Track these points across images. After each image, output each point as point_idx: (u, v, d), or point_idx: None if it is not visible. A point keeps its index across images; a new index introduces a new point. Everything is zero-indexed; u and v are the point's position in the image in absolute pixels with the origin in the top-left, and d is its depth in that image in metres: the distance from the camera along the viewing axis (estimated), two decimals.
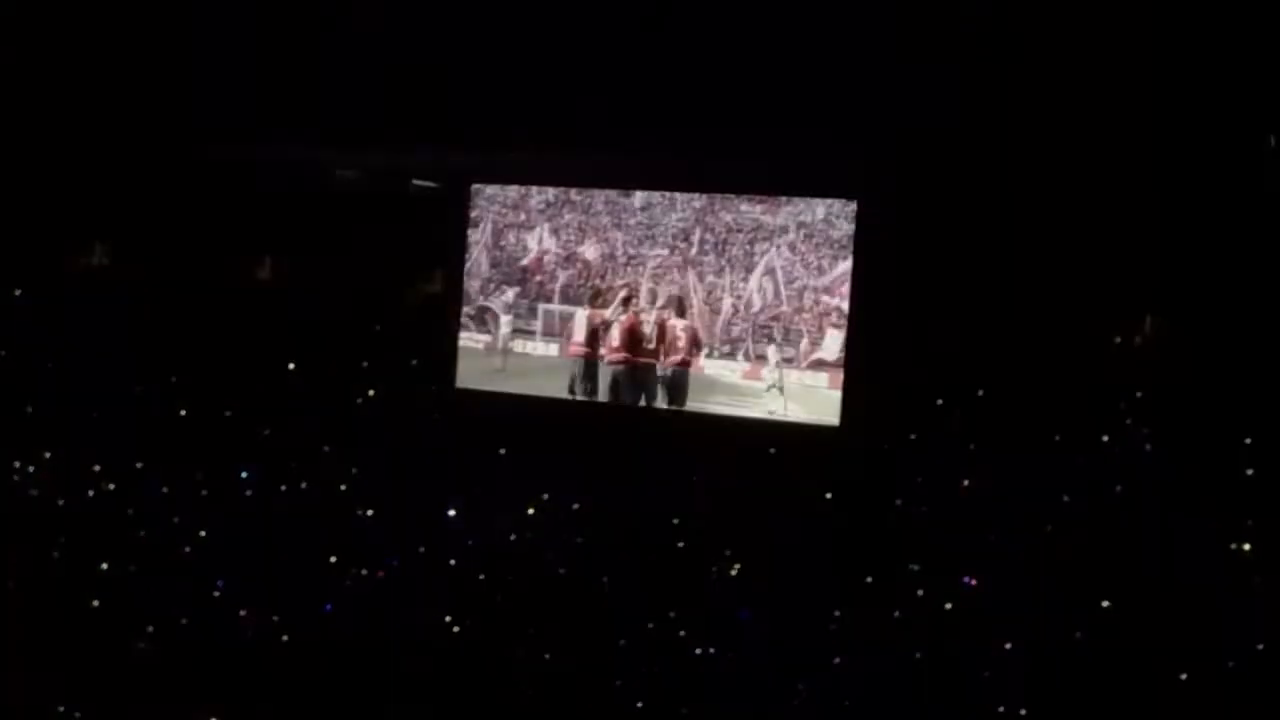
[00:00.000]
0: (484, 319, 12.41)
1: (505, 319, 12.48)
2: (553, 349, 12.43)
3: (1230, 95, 10.15)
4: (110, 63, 12.12)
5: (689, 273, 11.98)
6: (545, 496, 11.76)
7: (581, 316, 12.34)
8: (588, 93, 11.56)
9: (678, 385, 12.07)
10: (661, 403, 12.09)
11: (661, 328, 12.11)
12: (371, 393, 12.29)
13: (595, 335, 12.26)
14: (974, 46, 10.60)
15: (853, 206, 11.44)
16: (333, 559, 12.09)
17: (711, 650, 11.22)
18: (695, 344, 12.08)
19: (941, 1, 10.58)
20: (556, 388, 12.40)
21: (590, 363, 12.31)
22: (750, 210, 11.77)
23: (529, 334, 12.52)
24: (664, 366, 12.11)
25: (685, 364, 12.08)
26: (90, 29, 12.18)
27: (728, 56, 11.26)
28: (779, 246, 11.70)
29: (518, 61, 11.68)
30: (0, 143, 12.59)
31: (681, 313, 12.09)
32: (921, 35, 10.76)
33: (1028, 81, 10.53)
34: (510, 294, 12.44)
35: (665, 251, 12.02)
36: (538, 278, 12.36)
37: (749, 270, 11.82)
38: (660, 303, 12.12)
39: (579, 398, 12.29)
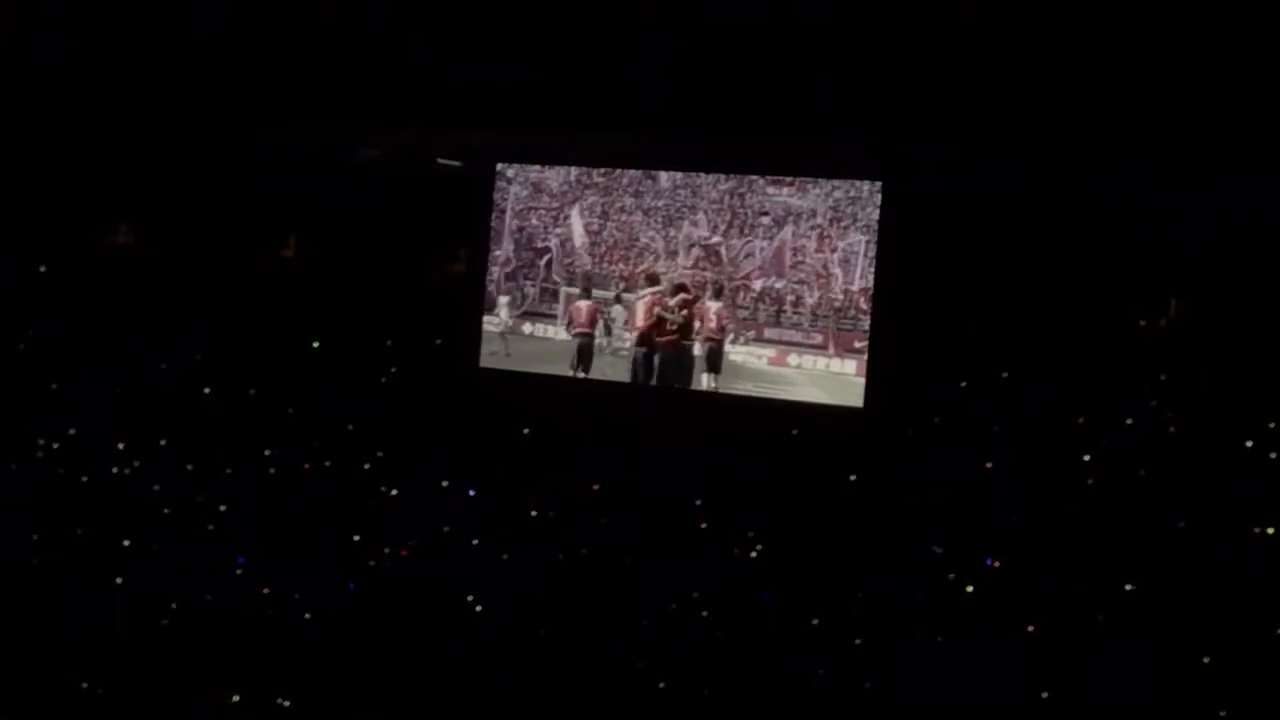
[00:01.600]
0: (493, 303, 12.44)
1: (504, 300, 12.49)
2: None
3: (1256, 75, 10.12)
4: (136, 40, 12.13)
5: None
6: (567, 476, 11.76)
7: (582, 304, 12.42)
8: (614, 73, 11.54)
9: (715, 355, 12.11)
10: (701, 380, 12.10)
11: (693, 309, 12.13)
12: (395, 372, 12.27)
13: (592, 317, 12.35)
14: (1004, 29, 10.56)
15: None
16: (356, 538, 12.11)
17: (734, 633, 11.22)
18: (723, 328, 12.12)
19: None
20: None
21: (586, 343, 12.37)
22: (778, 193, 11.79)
23: (548, 318, 12.55)
24: (701, 344, 12.15)
25: (718, 340, 12.13)
26: (116, 9, 12.19)
27: (755, 37, 11.24)
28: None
29: (543, 42, 11.67)
30: (27, 122, 12.59)
31: (718, 295, 12.12)
32: (949, 18, 10.73)
33: (1056, 63, 10.49)
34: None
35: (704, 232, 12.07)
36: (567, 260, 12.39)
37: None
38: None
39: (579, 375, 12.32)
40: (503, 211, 12.37)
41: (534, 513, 11.82)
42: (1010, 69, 10.62)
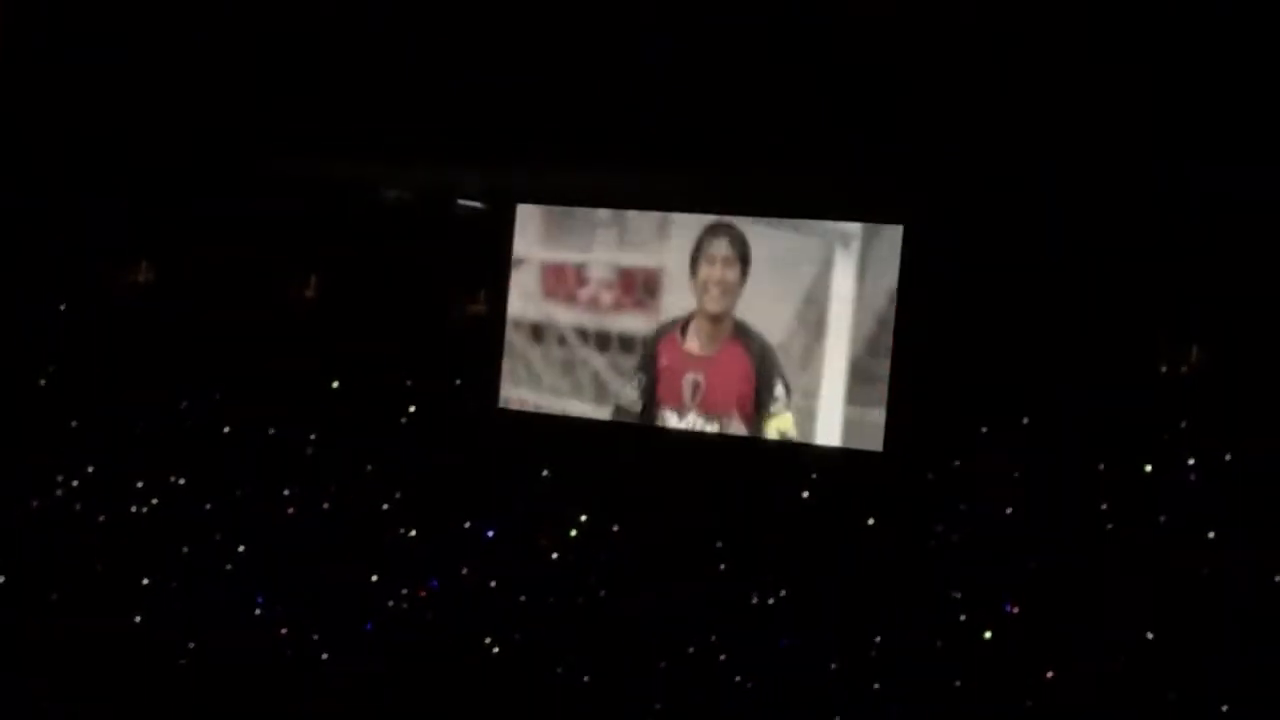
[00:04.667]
0: None
1: None
2: None
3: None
4: (158, 77, 12.14)
5: None
6: (586, 518, 11.76)
7: None
8: (636, 113, 11.54)
9: None
10: None
11: None
12: (414, 412, 12.29)
13: None
14: (1026, 71, 10.55)
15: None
16: (374, 578, 12.12)
17: (751, 677, 11.22)
18: None
19: (986, 28, 10.51)
20: None
21: None
22: None
23: None
24: None
25: None
26: (135, 45, 12.20)
27: (775, 78, 11.23)
28: None
29: (563, 81, 11.67)
30: (47, 158, 12.62)
31: None
32: (971, 60, 10.71)
33: (1079, 108, 10.47)
34: None
35: None
36: None
37: None
38: None
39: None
40: None
41: (554, 555, 11.82)
42: (1031, 110, 10.61)
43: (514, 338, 12.16)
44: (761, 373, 11.52)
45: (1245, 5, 9.86)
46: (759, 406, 11.45)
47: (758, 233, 11.66)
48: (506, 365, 12.16)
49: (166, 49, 12.24)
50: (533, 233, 12.22)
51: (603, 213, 12.08)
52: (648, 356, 11.82)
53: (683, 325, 11.75)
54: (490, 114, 11.71)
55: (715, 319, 11.68)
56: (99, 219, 12.77)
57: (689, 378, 11.76)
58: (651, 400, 11.74)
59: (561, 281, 12.16)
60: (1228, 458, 10.42)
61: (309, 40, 12.04)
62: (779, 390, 11.42)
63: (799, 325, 11.52)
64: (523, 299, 12.21)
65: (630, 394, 11.80)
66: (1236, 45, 9.94)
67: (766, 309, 11.61)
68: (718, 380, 11.60)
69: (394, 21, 11.78)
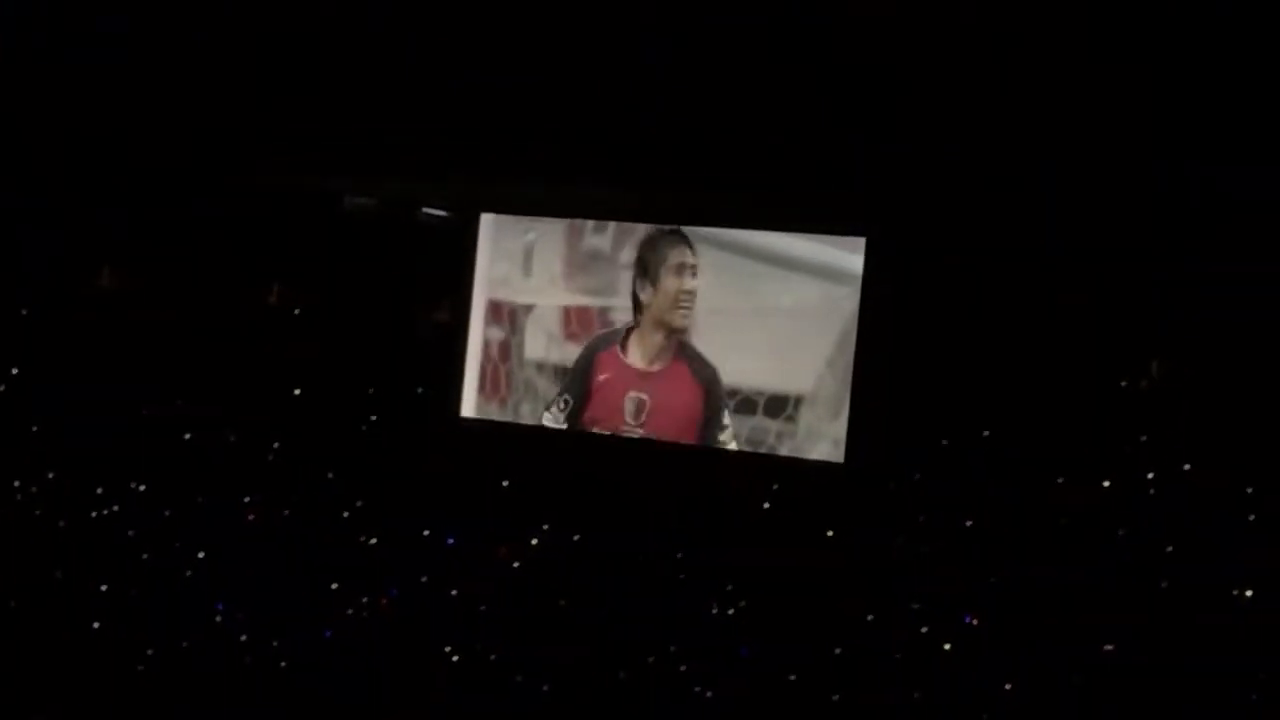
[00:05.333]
0: None
1: None
2: None
3: (1240, 135, 10.14)
4: (124, 86, 12.13)
5: None
6: (546, 527, 11.74)
7: None
8: (599, 124, 11.56)
9: None
10: None
11: None
12: (376, 420, 12.27)
13: None
14: (985, 83, 10.59)
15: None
16: (334, 586, 12.10)
17: (711, 686, 11.21)
18: None
19: (948, 38, 10.56)
20: None
21: None
22: None
23: None
24: None
25: None
26: (106, 54, 12.20)
27: (739, 91, 11.26)
28: None
29: (531, 91, 11.69)
30: (10, 163, 12.59)
31: None
32: (932, 72, 10.75)
33: (1039, 119, 10.51)
34: None
35: None
36: None
37: None
38: None
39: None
40: None
41: (515, 564, 11.81)
42: (989, 126, 10.65)
43: (535, 377, 12.07)
44: (710, 399, 11.50)
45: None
46: (706, 433, 11.43)
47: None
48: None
49: (136, 58, 12.24)
50: (550, 272, 12.13)
51: (626, 252, 11.97)
52: (580, 372, 11.76)
53: (623, 338, 11.71)
54: (455, 123, 11.72)
55: (671, 332, 11.67)
56: (62, 224, 12.74)
57: (633, 395, 11.74)
58: (577, 421, 11.68)
59: (584, 323, 12.10)
60: (1186, 468, 10.45)
61: (276, 51, 12.05)
62: (726, 419, 11.41)
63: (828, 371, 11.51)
64: (545, 340, 12.11)
65: (554, 416, 11.76)
66: (1211, 53, 10.01)
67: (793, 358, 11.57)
68: (665, 400, 11.57)
69: (362, 33, 11.80)
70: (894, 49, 10.66)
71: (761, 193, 11.40)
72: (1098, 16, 10.12)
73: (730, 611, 11.31)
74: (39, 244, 12.82)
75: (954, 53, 10.51)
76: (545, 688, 11.52)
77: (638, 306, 11.85)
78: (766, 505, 11.30)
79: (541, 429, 11.85)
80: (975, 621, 10.76)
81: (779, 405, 11.64)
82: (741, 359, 11.70)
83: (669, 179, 11.49)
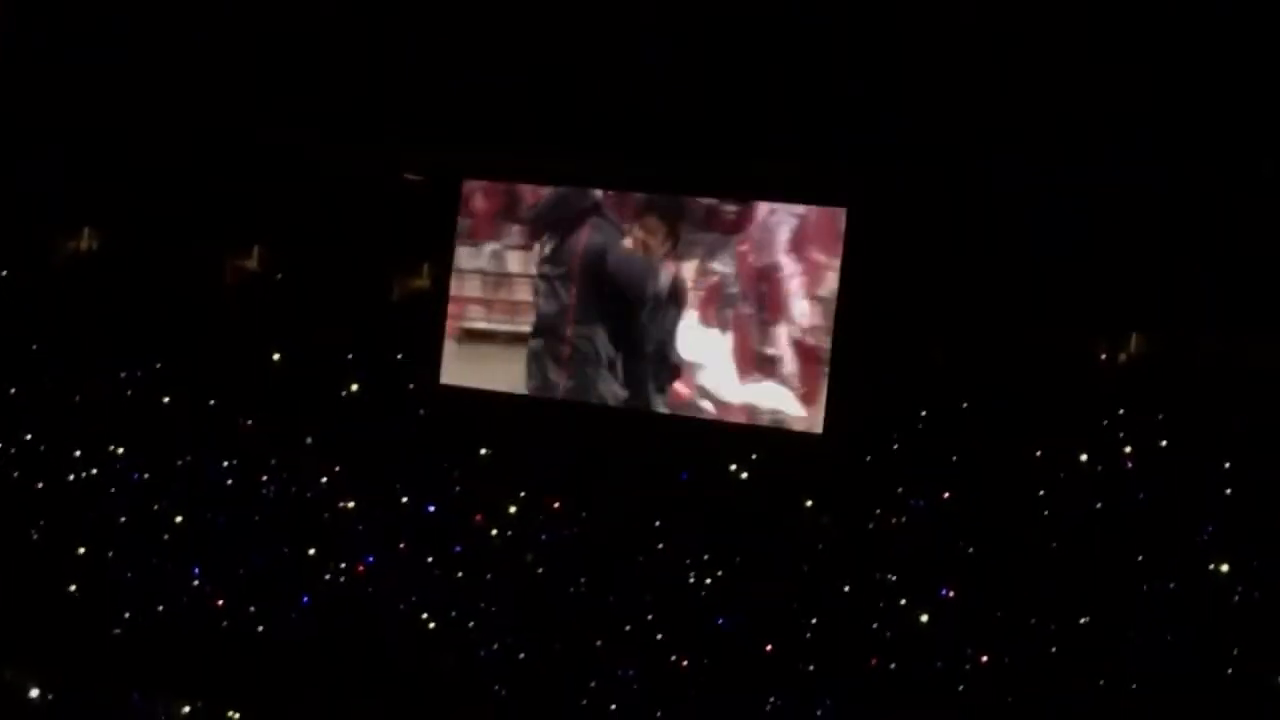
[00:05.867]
0: None
1: None
2: None
3: (1222, 114, 10.14)
4: (96, 43, 12.09)
5: None
6: (525, 495, 11.74)
7: None
8: (583, 91, 11.53)
9: None
10: None
11: None
12: (355, 386, 12.23)
13: None
14: (966, 60, 10.58)
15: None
16: (311, 552, 12.10)
17: (687, 656, 11.24)
18: None
19: (931, 14, 10.55)
20: None
21: None
22: None
23: None
24: None
25: None
26: (81, 14, 12.16)
27: (722, 61, 11.23)
28: None
29: (514, 58, 11.66)
30: None
31: None
32: (915, 47, 10.74)
33: (1019, 95, 10.51)
34: None
35: None
36: None
37: None
38: None
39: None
40: None
41: (493, 532, 11.80)
42: (975, 98, 10.64)
43: None
44: None
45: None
46: None
47: None
48: None
49: (113, 18, 12.19)
50: None
51: None
52: None
53: None
54: (438, 88, 11.69)
55: None
56: (40, 186, 12.69)
57: None
58: None
59: None
60: (1164, 445, 10.45)
61: (255, 13, 12.01)
62: None
63: None
64: None
65: None
66: (1188, 44, 10.02)
67: None
68: None
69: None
70: (875, 25, 10.66)
71: (744, 161, 11.36)
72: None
73: (707, 581, 11.33)
74: (12, 206, 12.74)
75: (936, 29, 10.51)
76: (521, 655, 11.56)
77: None
78: (745, 475, 11.28)
79: (521, 397, 11.77)
80: (952, 594, 10.78)
81: None
82: None
83: (651, 146, 11.45)
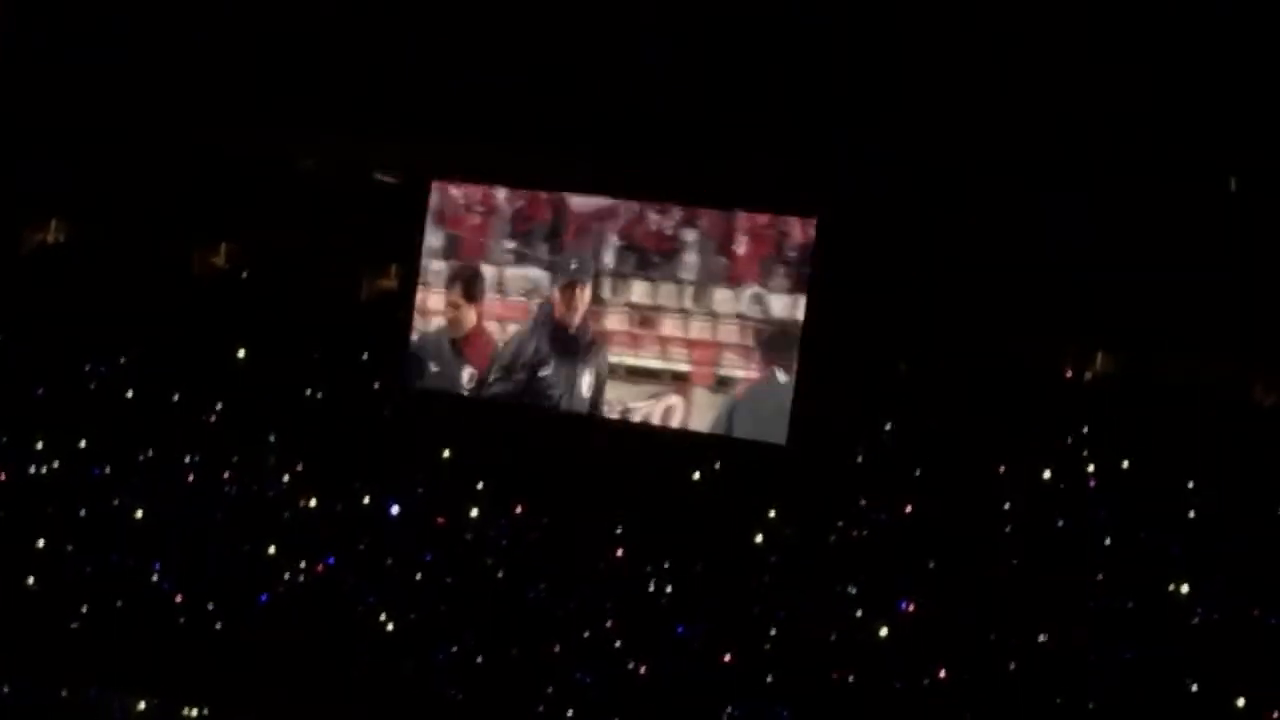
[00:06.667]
0: None
1: None
2: None
3: (1189, 132, 10.16)
4: (72, 41, 12.06)
5: None
6: (488, 498, 11.71)
7: None
8: (555, 94, 11.52)
9: None
10: None
11: None
12: (320, 386, 12.21)
13: None
14: (941, 75, 10.59)
15: None
16: (271, 550, 12.06)
17: (645, 663, 11.23)
18: None
19: (911, 26, 10.56)
20: None
21: None
22: None
23: None
24: None
25: None
26: (54, 11, 12.15)
27: (697, 68, 11.23)
28: None
29: (487, 59, 11.64)
30: None
31: None
32: (892, 60, 10.74)
33: (994, 113, 10.52)
34: None
35: None
36: None
37: None
38: None
39: None
40: None
41: (453, 534, 11.78)
42: (949, 108, 10.65)
43: None
44: None
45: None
46: None
47: None
48: None
49: (86, 17, 12.18)
50: None
51: None
52: None
53: None
54: (407, 88, 11.68)
55: None
56: (7, 178, 12.65)
57: None
58: None
59: None
60: (1125, 465, 10.47)
61: (230, 13, 11.99)
62: None
63: None
64: None
65: None
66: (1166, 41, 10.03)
67: None
68: None
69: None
70: (851, 34, 10.66)
71: (716, 165, 11.36)
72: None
73: (668, 589, 11.32)
74: None
75: (914, 41, 10.51)
76: (479, 659, 11.54)
77: None
78: (708, 484, 11.27)
79: (486, 401, 11.75)
80: (911, 607, 10.78)
81: None
82: None
83: (622, 151, 11.45)
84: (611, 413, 11.44)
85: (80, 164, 12.61)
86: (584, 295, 11.54)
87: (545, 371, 11.57)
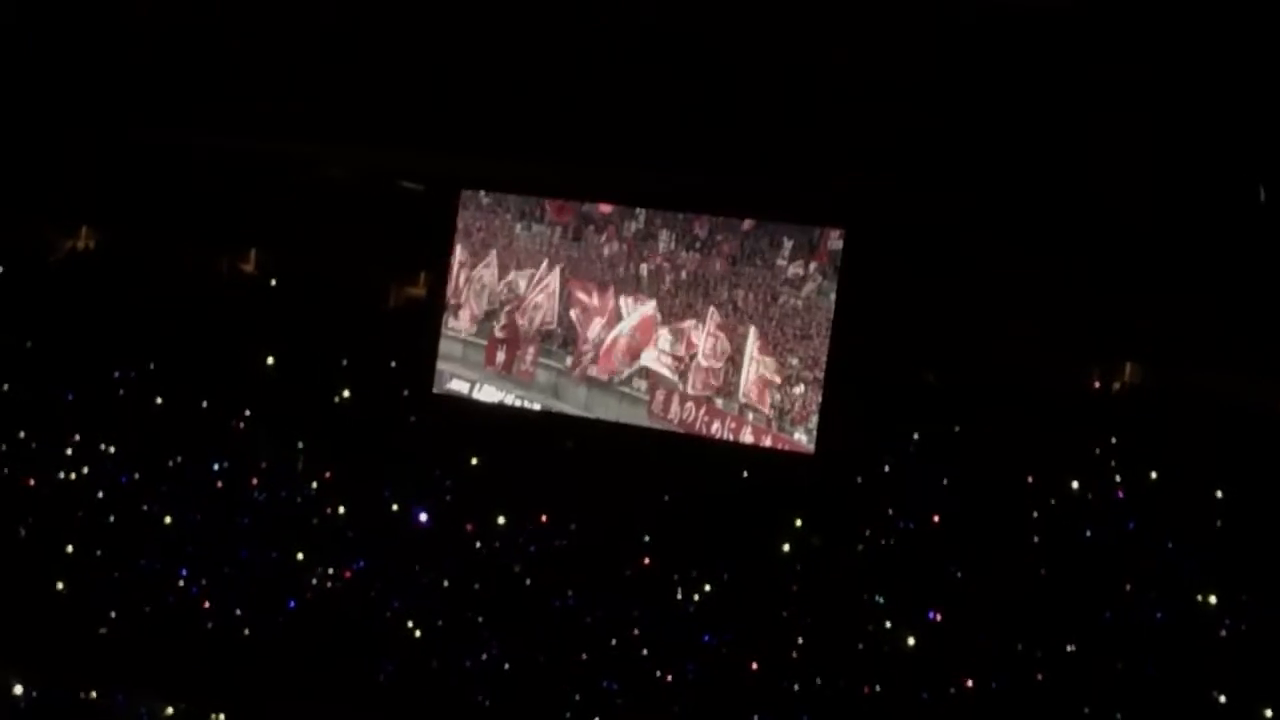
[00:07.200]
0: None
1: None
2: None
3: (1219, 143, 10.13)
4: (100, 46, 12.08)
5: None
6: (515, 506, 11.72)
7: None
8: (587, 105, 11.52)
9: None
10: None
11: None
12: (349, 393, 12.23)
13: None
14: (966, 84, 10.57)
15: None
16: (300, 556, 12.09)
17: (672, 672, 11.23)
18: None
19: (929, 39, 10.53)
20: None
21: None
22: None
23: None
24: None
25: None
26: (86, 21, 12.17)
27: (724, 77, 11.22)
28: None
29: (515, 69, 11.65)
30: None
31: None
32: (913, 71, 10.73)
33: (1017, 123, 10.49)
34: None
35: None
36: None
37: None
38: None
39: None
40: None
41: (478, 544, 11.79)
42: (973, 120, 10.63)
43: None
44: None
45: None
46: None
47: None
48: None
49: (118, 21, 12.19)
50: None
51: None
52: None
53: None
54: (437, 97, 11.68)
55: None
56: (41, 185, 12.69)
57: None
58: None
59: None
60: (1153, 476, 10.44)
61: (257, 18, 12.00)
62: None
63: None
64: None
65: None
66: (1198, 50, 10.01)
67: None
68: None
69: (343, 5, 11.76)
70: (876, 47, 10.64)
71: (744, 179, 11.35)
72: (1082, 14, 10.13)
73: (695, 597, 11.32)
74: (10, 204, 12.75)
75: (937, 52, 10.49)
76: (506, 665, 11.55)
77: None
78: (735, 493, 11.27)
79: (514, 408, 11.75)
80: (939, 617, 10.76)
81: None
82: None
83: (652, 162, 11.44)
84: None
85: (110, 172, 12.65)
86: None
87: None
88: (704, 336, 11.21)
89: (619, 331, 11.48)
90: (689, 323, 11.27)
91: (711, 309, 11.23)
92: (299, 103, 12.06)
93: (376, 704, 11.63)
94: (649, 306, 11.45)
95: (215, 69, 12.11)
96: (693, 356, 11.21)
